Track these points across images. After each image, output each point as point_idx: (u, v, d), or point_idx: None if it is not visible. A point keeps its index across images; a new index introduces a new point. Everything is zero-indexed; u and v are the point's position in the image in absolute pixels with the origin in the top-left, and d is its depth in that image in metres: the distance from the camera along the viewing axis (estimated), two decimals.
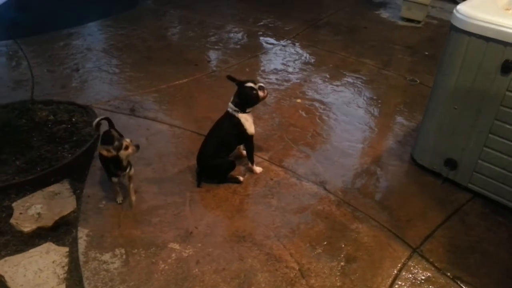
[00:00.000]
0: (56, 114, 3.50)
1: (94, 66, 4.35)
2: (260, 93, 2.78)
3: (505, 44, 2.39)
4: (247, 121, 2.84)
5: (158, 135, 3.37)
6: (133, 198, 2.71)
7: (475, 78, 2.56)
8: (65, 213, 2.65)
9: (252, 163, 3.01)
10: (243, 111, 2.82)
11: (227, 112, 2.86)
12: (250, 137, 2.91)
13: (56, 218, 2.59)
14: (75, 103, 3.65)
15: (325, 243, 2.49)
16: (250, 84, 2.77)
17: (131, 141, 2.55)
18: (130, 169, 2.66)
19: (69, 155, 3.06)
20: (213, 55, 4.84)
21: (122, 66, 4.39)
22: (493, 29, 2.41)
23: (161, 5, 6.06)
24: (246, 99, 2.78)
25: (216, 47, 5.00)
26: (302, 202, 2.78)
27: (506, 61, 2.41)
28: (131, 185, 2.71)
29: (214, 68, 4.48)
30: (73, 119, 3.46)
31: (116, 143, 2.49)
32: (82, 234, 2.49)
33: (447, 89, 2.72)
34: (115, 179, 2.64)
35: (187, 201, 2.75)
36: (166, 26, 5.48)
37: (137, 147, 2.57)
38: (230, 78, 2.82)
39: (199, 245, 2.45)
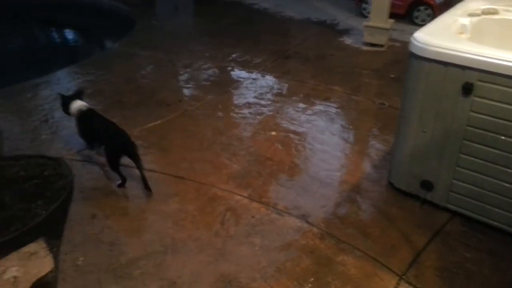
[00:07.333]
0: (27, 170, 3.39)
1: (63, 116, 4.22)
2: None
3: (463, 67, 2.49)
4: None
5: (133, 182, 3.31)
6: None
7: (439, 101, 2.66)
8: (42, 274, 2.52)
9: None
10: None
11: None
12: None
13: (34, 280, 2.47)
14: (46, 156, 3.55)
15: (312, 279, 2.46)
16: None
17: None
18: None
19: (43, 212, 2.95)
20: (184, 94, 4.86)
21: None
22: (451, 54, 2.51)
23: (128, 47, 6.09)
24: None
25: (187, 85, 5.03)
26: (286, 238, 2.76)
27: (465, 83, 2.51)
28: None
29: (187, 108, 4.49)
30: (45, 173, 3.34)
31: None
32: None
33: (414, 113, 2.80)
34: None
35: (168, 249, 2.68)
36: (135, 68, 5.48)
37: None
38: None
39: None
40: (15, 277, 2.50)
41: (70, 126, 4.09)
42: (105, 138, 3.23)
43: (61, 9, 8.01)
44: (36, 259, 2.64)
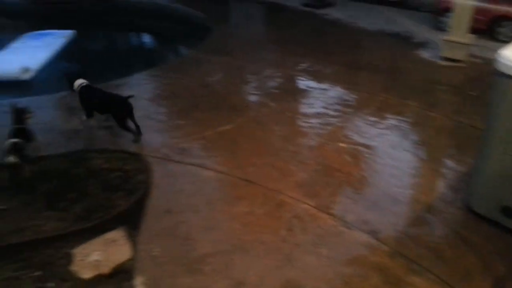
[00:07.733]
0: (110, 162, 3.67)
1: (143, 115, 4.53)
2: None
3: None
4: None
5: (205, 182, 3.45)
6: None
7: None
8: (121, 260, 2.71)
9: None
10: None
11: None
12: None
13: (114, 265, 2.67)
14: (128, 151, 3.82)
15: None
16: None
17: None
18: None
19: (123, 203, 3.18)
20: (254, 100, 4.97)
21: (170, 114, 4.58)
22: None
23: (202, 53, 6.34)
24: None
25: (256, 92, 5.14)
26: (353, 253, 2.73)
27: None
28: None
29: (255, 114, 4.58)
30: (126, 167, 3.61)
31: None
32: (138, 282, 2.55)
33: (499, 135, 2.66)
34: None
35: (236, 249, 2.76)
36: (209, 73, 5.69)
37: None
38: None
39: None
40: (97, 260, 2.71)
41: (149, 125, 4.36)
42: (112, 104, 3.98)
43: (141, 16, 8.54)
44: (116, 246, 2.84)
